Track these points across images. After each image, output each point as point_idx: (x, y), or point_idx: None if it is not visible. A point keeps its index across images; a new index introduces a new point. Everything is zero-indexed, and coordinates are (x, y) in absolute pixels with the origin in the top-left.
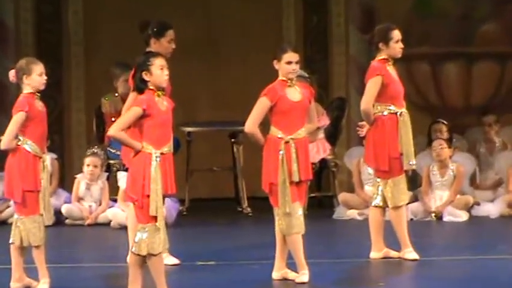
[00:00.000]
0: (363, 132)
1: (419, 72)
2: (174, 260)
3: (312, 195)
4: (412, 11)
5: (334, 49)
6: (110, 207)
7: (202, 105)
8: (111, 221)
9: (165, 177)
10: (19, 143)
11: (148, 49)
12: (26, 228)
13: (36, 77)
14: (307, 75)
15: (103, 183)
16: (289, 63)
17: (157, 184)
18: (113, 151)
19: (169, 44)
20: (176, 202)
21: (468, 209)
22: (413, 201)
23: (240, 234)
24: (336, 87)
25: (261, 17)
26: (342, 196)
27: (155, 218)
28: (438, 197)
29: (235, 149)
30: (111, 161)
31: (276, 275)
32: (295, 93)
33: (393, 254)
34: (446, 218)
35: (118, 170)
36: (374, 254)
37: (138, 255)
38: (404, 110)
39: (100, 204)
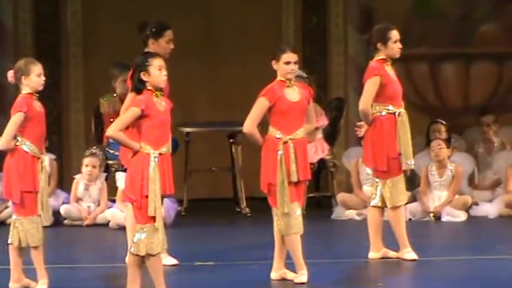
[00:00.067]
0: (361, 132)
1: (418, 73)
2: (173, 261)
3: (311, 195)
4: (411, 11)
5: (332, 49)
6: (109, 207)
7: (201, 105)
8: (109, 221)
9: (163, 177)
10: (17, 144)
11: (146, 49)
12: (24, 229)
13: (34, 78)
14: (305, 75)
15: (101, 184)
16: (287, 63)
17: (156, 184)
18: (112, 151)
19: (167, 44)
20: (175, 202)
21: (466, 209)
22: (411, 202)
23: (238, 235)
24: (335, 88)
25: (260, 17)
26: (341, 196)
27: (154, 219)
28: (437, 197)
29: (233, 150)
30: (110, 162)
31: (274, 275)
32: (294, 93)
33: (392, 254)
34: (444, 218)
35: (116, 171)
36: (372, 254)
37: (137, 255)
38: (402, 110)
39: (99, 205)
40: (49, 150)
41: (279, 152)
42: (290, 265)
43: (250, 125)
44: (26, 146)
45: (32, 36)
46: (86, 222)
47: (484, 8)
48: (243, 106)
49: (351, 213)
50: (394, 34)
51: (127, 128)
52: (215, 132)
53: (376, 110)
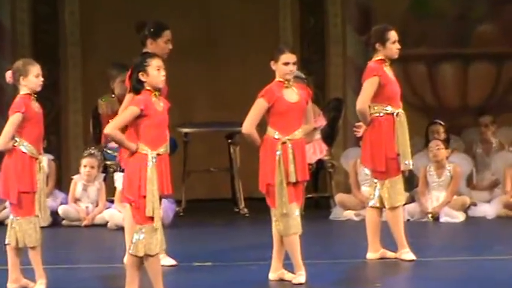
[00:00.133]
0: (359, 132)
1: (416, 73)
2: (171, 261)
3: (309, 196)
4: (408, 12)
5: (331, 50)
6: (107, 208)
7: (199, 106)
8: (108, 222)
9: (161, 178)
10: (15, 144)
11: (145, 50)
12: (22, 229)
13: (32, 78)
14: (304, 76)
15: (100, 184)
16: (286, 64)
17: (154, 185)
18: (110, 152)
19: (166, 44)
20: (173, 203)
21: (465, 209)
22: (410, 202)
23: (236, 235)
24: (333, 88)
25: (260, 17)
26: (339, 197)
27: (152, 219)
28: (435, 197)
29: (232, 150)
30: (108, 162)
31: (272, 275)
32: (293, 94)
33: (390, 254)
34: (443, 219)
35: (115, 171)
36: (371, 255)
37: (135, 256)
38: (401, 110)
39: (97, 205)
40: (47, 150)
41: (278, 153)
42: (288, 265)
43: (249, 126)
44: (24, 146)
45: (30, 36)
46: (84, 222)
47: (481, 8)
48: (242, 106)
49: (349, 214)
50: (393, 35)
51: (126, 128)
52: (213, 132)
53: (375, 110)
